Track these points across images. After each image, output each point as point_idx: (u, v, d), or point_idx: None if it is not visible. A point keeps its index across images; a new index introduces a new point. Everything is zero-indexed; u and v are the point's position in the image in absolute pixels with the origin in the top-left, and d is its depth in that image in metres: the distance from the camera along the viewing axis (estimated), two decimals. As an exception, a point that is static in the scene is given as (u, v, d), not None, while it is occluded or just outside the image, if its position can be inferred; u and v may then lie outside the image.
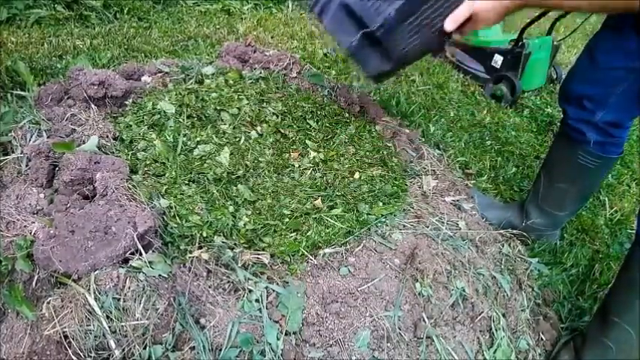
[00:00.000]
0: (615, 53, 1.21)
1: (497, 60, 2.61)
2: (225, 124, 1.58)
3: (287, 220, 1.32)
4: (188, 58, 2.24)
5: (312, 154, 1.57)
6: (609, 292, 1.30)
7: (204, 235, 1.19)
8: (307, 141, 1.62)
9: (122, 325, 0.97)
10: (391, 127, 1.83)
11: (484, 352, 1.24)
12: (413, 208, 1.50)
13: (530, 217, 1.63)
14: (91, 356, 0.94)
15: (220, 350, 1.02)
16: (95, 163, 1.25)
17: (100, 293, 0.98)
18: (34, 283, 1.06)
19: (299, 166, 1.52)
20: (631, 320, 1.19)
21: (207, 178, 1.37)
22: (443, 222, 1.47)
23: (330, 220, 1.34)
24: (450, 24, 1.21)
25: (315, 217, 1.34)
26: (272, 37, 2.90)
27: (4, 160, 1.35)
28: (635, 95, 1.24)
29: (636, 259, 1.18)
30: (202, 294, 1.09)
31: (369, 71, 1.41)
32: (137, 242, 1.05)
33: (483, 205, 1.70)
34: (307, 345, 1.10)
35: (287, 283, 1.17)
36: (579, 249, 1.73)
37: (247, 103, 1.66)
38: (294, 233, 1.29)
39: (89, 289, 0.98)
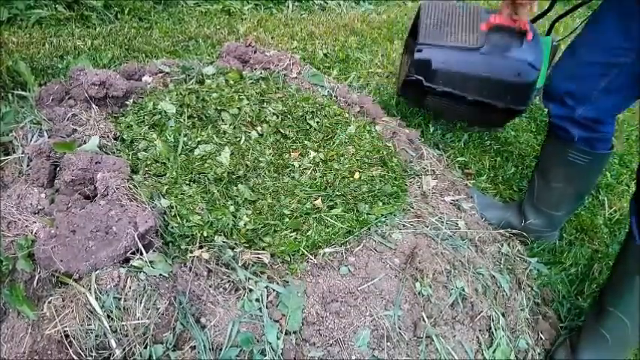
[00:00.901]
0: (595, 49, 1.23)
1: (497, 60, 2.62)
2: (225, 124, 1.58)
3: (287, 219, 1.33)
4: (189, 58, 2.24)
5: (312, 154, 1.57)
6: (605, 284, 1.31)
7: (205, 234, 1.20)
8: (307, 141, 1.63)
9: (123, 325, 0.97)
10: (391, 127, 1.83)
11: (483, 352, 1.25)
12: (413, 207, 1.50)
13: (528, 218, 1.63)
14: (91, 356, 0.95)
15: (221, 349, 1.03)
16: (96, 163, 1.26)
17: (100, 293, 0.99)
18: (35, 283, 1.06)
19: (299, 166, 1.52)
20: (625, 309, 1.20)
21: (208, 178, 1.37)
22: (442, 222, 1.48)
23: (330, 219, 1.35)
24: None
25: (315, 217, 1.35)
26: (272, 38, 2.90)
27: (6, 160, 1.36)
28: (615, 92, 1.25)
29: (629, 250, 1.20)
30: (203, 293, 1.09)
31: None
32: (138, 242, 1.05)
33: (483, 204, 1.71)
34: (307, 344, 1.10)
35: (287, 282, 1.17)
36: (578, 249, 1.73)
37: (248, 103, 1.67)
38: (295, 233, 1.30)
39: (90, 289, 0.99)
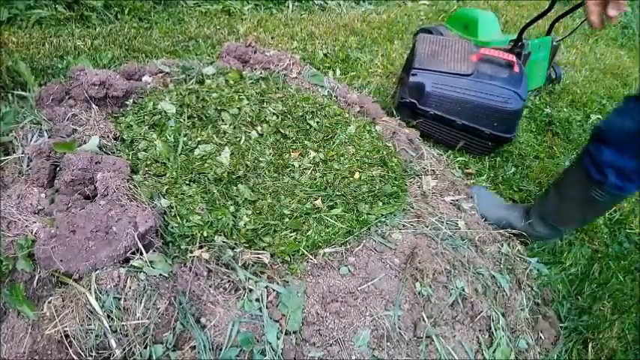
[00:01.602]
0: None
1: (497, 60, 2.62)
2: (225, 124, 1.58)
3: (287, 219, 1.33)
4: (189, 58, 2.24)
5: (312, 154, 1.57)
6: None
7: (205, 234, 1.20)
8: (307, 141, 1.63)
9: (123, 325, 0.97)
10: (391, 127, 1.83)
11: (483, 352, 1.25)
12: (413, 207, 1.50)
13: (533, 224, 1.62)
14: (91, 356, 0.95)
15: (221, 349, 1.03)
16: (96, 163, 1.25)
17: (100, 293, 0.99)
18: (35, 283, 1.06)
19: (299, 166, 1.52)
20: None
21: (208, 178, 1.37)
22: (442, 222, 1.48)
23: (330, 219, 1.35)
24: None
25: (315, 217, 1.35)
26: (272, 38, 2.90)
27: (6, 160, 1.36)
28: None
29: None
30: (203, 293, 1.09)
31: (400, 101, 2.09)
32: (138, 242, 1.05)
33: (484, 203, 1.71)
34: (307, 344, 1.10)
35: (287, 282, 1.17)
36: (578, 249, 1.73)
37: (248, 103, 1.67)
38: (295, 233, 1.30)
39: (90, 289, 0.99)
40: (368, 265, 1.27)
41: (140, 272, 1.04)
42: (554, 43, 2.61)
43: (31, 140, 1.40)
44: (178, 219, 1.21)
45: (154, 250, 1.10)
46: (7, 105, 1.59)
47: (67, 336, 0.96)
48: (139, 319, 0.98)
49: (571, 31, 2.84)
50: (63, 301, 1.00)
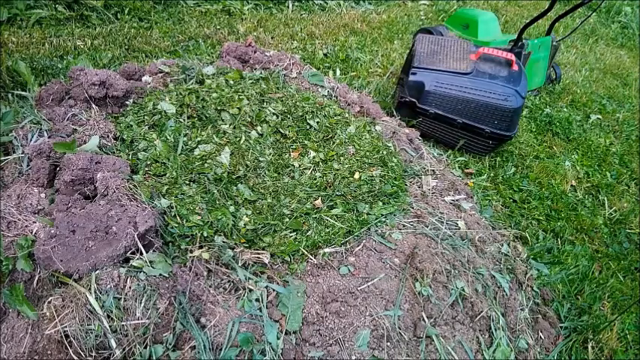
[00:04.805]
0: None
1: (497, 60, 2.63)
2: (225, 124, 1.58)
3: (287, 219, 1.33)
4: (189, 58, 2.24)
5: (312, 153, 1.57)
6: None
7: (205, 234, 1.20)
8: (307, 141, 1.63)
9: (123, 325, 0.97)
10: (391, 127, 1.83)
11: (483, 352, 1.25)
12: (412, 207, 1.50)
13: None
14: (91, 356, 0.95)
15: (221, 349, 1.03)
16: (96, 163, 1.25)
17: (100, 293, 0.99)
18: (35, 283, 1.06)
19: (299, 166, 1.52)
20: None
21: (208, 178, 1.37)
22: (442, 221, 1.47)
23: (330, 219, 1.34)
24: None
25: (315, 217, 1.35)
26: (272, 38, 2.90)
27: (6, 160, 1.36)
28: None
29: None
30: (203, 293, 1.09)
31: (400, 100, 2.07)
32: (138, 242, 1.05)
33: None
34: (307, 344, 1.10)
35: (287, 282, 1.17)
36: (578, 249, 1.73)
37: (247, 103, 1.67)
38: (294, 233, 1.30)
39: (90, 289, 0.99)
40: (368, 265, 1.27)
41: (140, 272, 1.04)
42: (554, 43, 2.61)
43: (31, 140, 1.40)
44: (178, 219, 1.21)
45: (153, 250, 1.10)
46: (7, 105, 1.59)
47: (66, 336, 0.96)
48: (138, 319, 0.98)
49: (571, 31, 2.85)
50: (63, 301, 1.00)
